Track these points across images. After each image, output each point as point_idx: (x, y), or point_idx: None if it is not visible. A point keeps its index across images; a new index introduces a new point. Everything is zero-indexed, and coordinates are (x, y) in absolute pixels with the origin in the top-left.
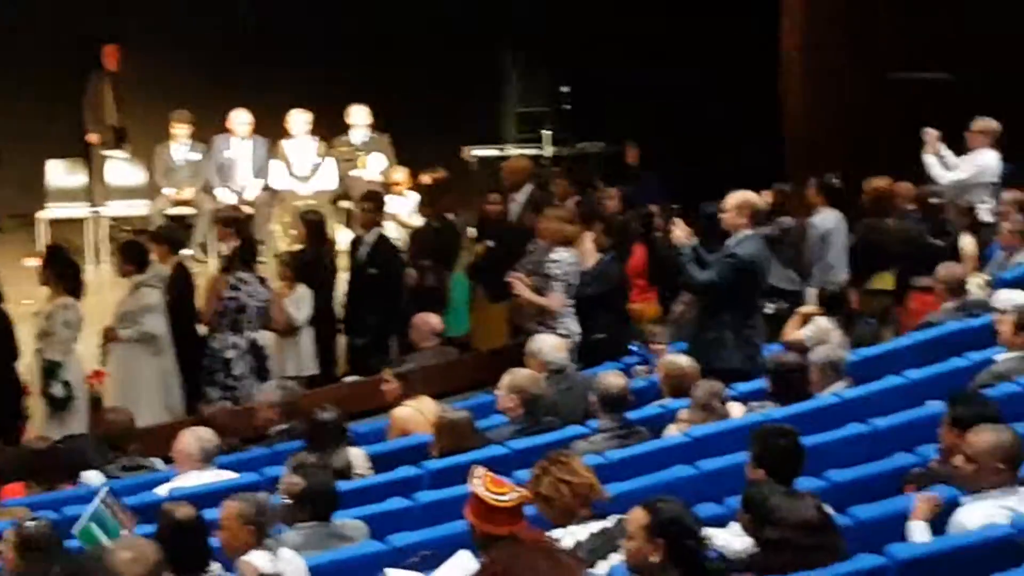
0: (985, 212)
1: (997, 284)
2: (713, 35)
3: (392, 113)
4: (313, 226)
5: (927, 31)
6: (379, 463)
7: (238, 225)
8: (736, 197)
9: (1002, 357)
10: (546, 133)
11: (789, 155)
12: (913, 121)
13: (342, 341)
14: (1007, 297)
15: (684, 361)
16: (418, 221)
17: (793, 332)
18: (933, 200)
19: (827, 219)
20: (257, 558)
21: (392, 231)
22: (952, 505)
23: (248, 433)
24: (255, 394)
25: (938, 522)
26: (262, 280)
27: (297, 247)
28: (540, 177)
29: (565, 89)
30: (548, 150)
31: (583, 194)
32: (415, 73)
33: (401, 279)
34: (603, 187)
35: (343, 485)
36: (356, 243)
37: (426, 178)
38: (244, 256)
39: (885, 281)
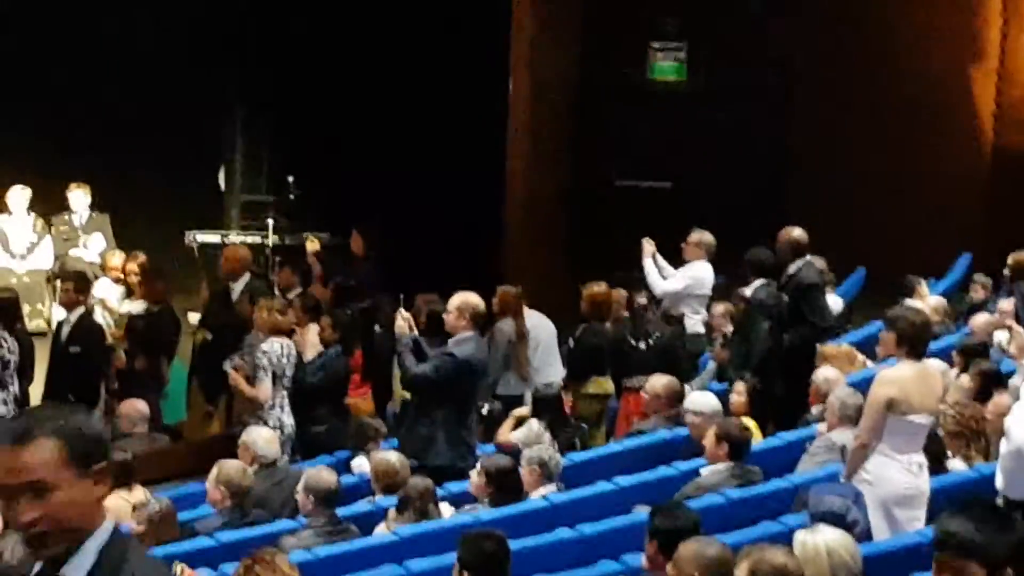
0: (697, 323)
1: None
2: (443, 136)
3: (115, 193)
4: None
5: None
6: None
7: None
8: (457, 299)
9: (707, 470)
10: (269, 221)
11: (510, 257)
12: (638, 226)
13: None
14: (701, 400)
15: (395, 458)
16: (130, 306)
17: (506, 434)
18: (639, 303)
19: (532, 322)
20: None
21: (100, 316)
22: None
23: None
24: None
25: None
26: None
27: None
28: (259, 266)
29: (291, 178)
30: (271, 239)
31: (307, 284)
32: (139, 155)
33: (104, 359)
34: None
35: None
36: (60, 323)
37: (131, 264)
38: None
39: (602, 385)
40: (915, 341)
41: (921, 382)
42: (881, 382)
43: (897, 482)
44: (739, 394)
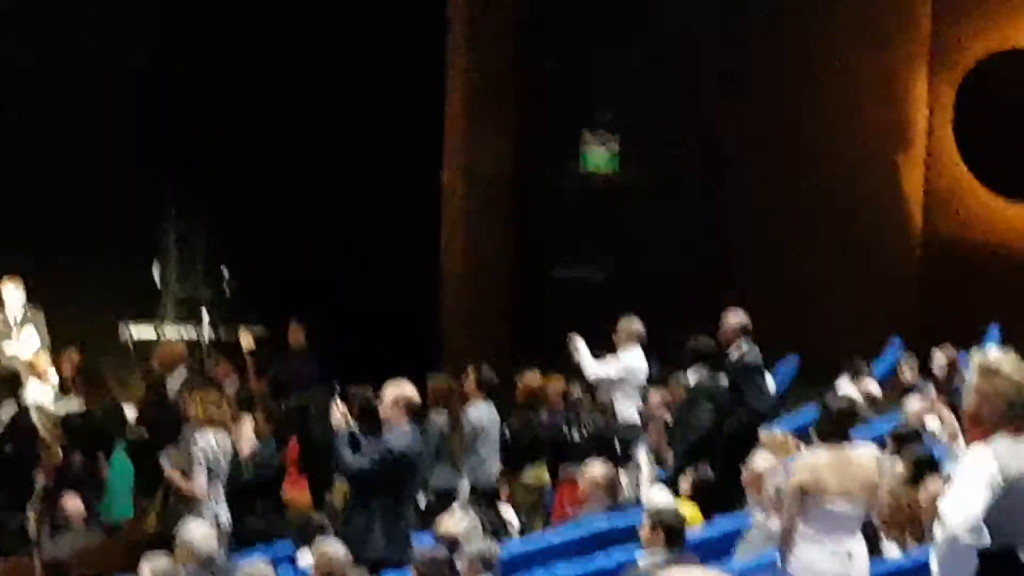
0: (632, 412)
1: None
2: (377, 227)
3: (48, 287)
4: None
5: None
6: None
7: None
8: (392, 390)
9: (644, 558)
10: (204, 315)
11: (448, 345)
12: (574, 315)
13: None
14: (659, 499)
15: (341, 551)
16: (67, 405)
17: (447, 525)
18: (576, 396)
19: (481, 412)
20: None
21: (35, 419)
22: None
23: None
24: None
25: None
26: None
27: None
28: (194, 360)
29: (225, 271)
30: (206, 332)
31: (243, 378)
32: (73, 249)
33: (38, 456)
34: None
35: None
36: None
37: (65, 365)
38: None
39: (538, 475)
40: (832, 427)
41: (839, 467)
42: (796, 468)
43: (823, 570)
44: (686, 483)
